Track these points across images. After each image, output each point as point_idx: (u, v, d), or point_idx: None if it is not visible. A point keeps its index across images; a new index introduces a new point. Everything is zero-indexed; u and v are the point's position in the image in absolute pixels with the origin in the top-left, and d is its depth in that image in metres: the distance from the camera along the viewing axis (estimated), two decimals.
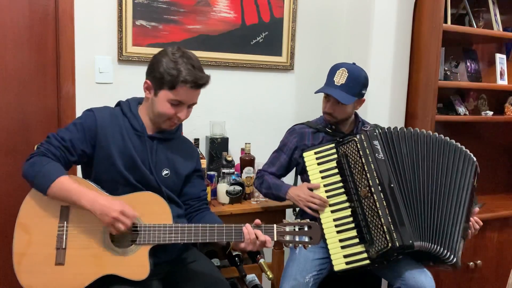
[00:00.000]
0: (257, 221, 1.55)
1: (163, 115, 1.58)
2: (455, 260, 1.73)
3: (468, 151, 1.86)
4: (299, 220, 1.57)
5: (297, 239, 1.54)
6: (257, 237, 1.51)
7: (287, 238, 1.54)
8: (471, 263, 2.53)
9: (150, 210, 1.52)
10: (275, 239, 1.53)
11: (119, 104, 1.67)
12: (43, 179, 1.45)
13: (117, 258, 1.48)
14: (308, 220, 1.57)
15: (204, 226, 1.51)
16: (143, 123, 1.61)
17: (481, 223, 1.89)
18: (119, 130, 1.58)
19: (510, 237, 2.64)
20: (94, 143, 1.56)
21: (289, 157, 2.02)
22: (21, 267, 1.47)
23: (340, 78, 1.89)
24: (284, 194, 1.91)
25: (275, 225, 1.54)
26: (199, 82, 1.55)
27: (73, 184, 1.46)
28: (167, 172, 1.64)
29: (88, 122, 1.56)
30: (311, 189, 1.84)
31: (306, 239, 1.54)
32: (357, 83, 1.90)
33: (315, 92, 1.95)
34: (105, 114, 1.59)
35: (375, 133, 1.81)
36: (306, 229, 1.54)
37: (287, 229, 1.54)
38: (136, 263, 1.48)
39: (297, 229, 1.54)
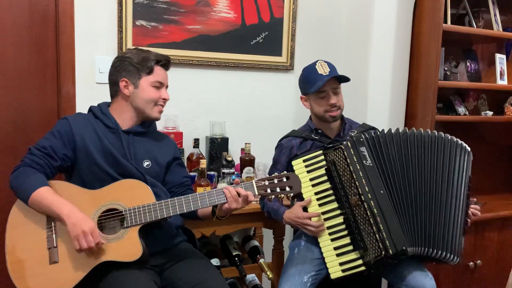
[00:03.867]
0: (236, 180, 1.63)
1: (150, 101, 1.68)
2: (458, 260, 1.73)
3: (463, 143, 1.83)
4: (276, 173, 1.61)
5: (278, 190, 1.57)
6: (239, 194, 1.55)
7: (268, 190, 1.57)
8: (471, 263, 2.53)
9: (132, 194, 1.56)
10: (256, 192, 1.57)
11: (90, 109, 1.73)
12: (24, 191, 1.50)
13: (109, 245, 1.51)
14: (285, 172, 1.61)
15: (186, 197, 1.56)
16: (116, 120, 1.68)
17: (479, 212, 1.86)
18: (94, 130, 1.64)
19: (510, 237, 2.63)
20: (74, 147, 1.61)
21: None
22: (17, 273, 1.48)
23: (324, 68, 1.90)
24: (281, 219, 1.88)
25: (254, 181, 1.59)
26: (168, 59, 1.73)
27: (51, 196, 1.50)
28: (148, 163, 1.70)
29: (64, 128, 1.62)
30: (305, 207, 1.81)
31: (287, 189, 1.57)
32: (336, 69, 1.93)
33: (313, 91, 1.88)
34: (78, 119, 1.66)
35: (361, 139, 1.77)
36: (284, 180, 1.58)
37: (266, 182, 1.58)
38: (128, 245, 1.51)
39: (276, 181, 1.58)
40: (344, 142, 1.78)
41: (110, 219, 1.55)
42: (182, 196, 1.56)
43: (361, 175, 1.72)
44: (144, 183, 1.60)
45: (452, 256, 1.72)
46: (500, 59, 2.76)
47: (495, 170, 2.99)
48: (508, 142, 3.01)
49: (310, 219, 1.77)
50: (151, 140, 1.75)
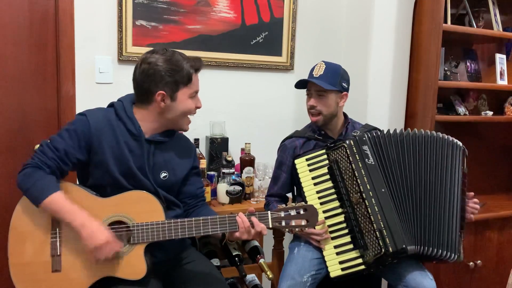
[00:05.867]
0: (251, 209, 1.55)
1: (187, 113, 1.61)
2: (456, 257, 1.74)
3: (455, 139, 1.84)
4: (294, 204, 1.56)
5: (293, 223, 1.52)
6: (252, 226, 1.50)
7: (283, 223, 1.52)
8: (471, 263, 2.53)
9: (141, 208, 1.51)
10: (271, 226, 1.52)
11: (112, 105, 1.62)
12: (36, 194, 1.44)
13: (113, 260, 1.47)
14: (303, 203, 1.56)
15: (197, 220, 1.51)
16: (140, 125, 1.57)
17: (478, 207, 1.87)
18: (114, 135, 1.54)
19: (510, 237, 2.63)
20: (89, 149, 1.53)
21: (289, 175, 2.00)
22: (19, 277, 1.47)
23: (319, 70, 1.92)
24: None
25: (269, 212, 1.53)
26: (202, 64, 1.62)
27: (64, 202, 1.44)
28: (165, 174, 1.62)
29: (82, 127, 1.52)
30: None
31: (303, 223, 1.52)
32: (335, 73, 1.93)
33: (296, 86, 1.97)
34: (99, 118, 1.55)
35: (364, 138, 1.79)
36: (301, 212, 1.53)
37: (282, 214, 1.52)
38: (132, 263, 1.48)
39: (292, 214, 1.53)
40: (347, 141, 1.79)
41: (117, 231, 1.49)
42: (193, 219, 1.51)
43: (363, 173, 1.74)
44: (157, 197, 1.54)
45: (449, 254, 1.74)
46: (500, 59, 2.76)
47: (495, 170, 2.99)
48: (508, 142, 3.01)
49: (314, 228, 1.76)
50: (171, 150, 1.65)
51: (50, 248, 1.48)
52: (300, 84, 1.97)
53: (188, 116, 1.64)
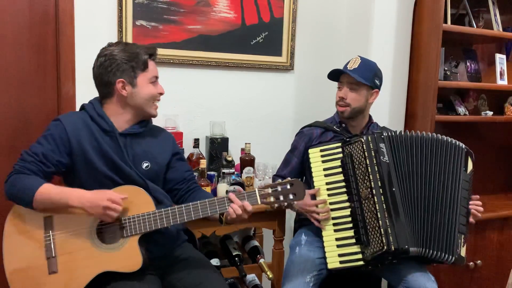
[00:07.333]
0: (239, 188, 1.59)
1: (150, 98, 1.64)
2: (453, 259, 1.74)
3: (457, 142, 1.84)
4: (280, 180, 1.57)
5: (281, 198, 1.53)
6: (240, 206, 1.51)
7: (272, 199, 1.54)
8: (471, 263, 2.53)
9: (132, 202, 1.53)
10: (259, 202, 1.53)
11: (84, 108, 1.66)
12: (26, 193, 1.46)
13: (108, 255, 1.50)
14: (289, 178, 1.57)
15: (187, 206, 1.53)
16: (112, 122, 1.61)
17: (481, 209, 1.86)
18: (91, 133, 1.58)
19: (510, 237, 2.63)
20: (70, 152, 1.56)
21: (300, 160, 2.03)
22: (17, 284, 1.47)
23: (353, 63, 1.96)
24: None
25: (257, 189, 1.55)
26: (156, 51, 1.67)
27: (56, 189, 1.48)
28: (147, 164, 1.65)
29: (57, 132, 1.56)
30: (313, 195, 1.83)
31: (291, 196, 1.53)
32: (370, 69, 1.96)
33: (328, 76, 1.99)
34: (73, 121, 1.59)
35: (382, 136, 1.81)
36: (288, 187, 1.54)
37: (269, 190, 1.54)
38: (127, 255, 1.50)
39: (279, 189, 1.54)
40: (364, 137, 1.80)
41: (109, 226, 1.52)
42: (183, 205, 1.53)
43: (376, 169, 1.75)
44: (145, 189, 1.56)
45: (446, 255, 1.74)
46: (500, 59, 2.76)
47: (495, 170, 2.99)
48: (508, 142, 3.01)
49: (317, 207, 1.80)
50: (148, 140, 1.69)
51: (45, 251, 1.49)
52: (332, 75, 2.01)
53: (156, 101, 1.67)
